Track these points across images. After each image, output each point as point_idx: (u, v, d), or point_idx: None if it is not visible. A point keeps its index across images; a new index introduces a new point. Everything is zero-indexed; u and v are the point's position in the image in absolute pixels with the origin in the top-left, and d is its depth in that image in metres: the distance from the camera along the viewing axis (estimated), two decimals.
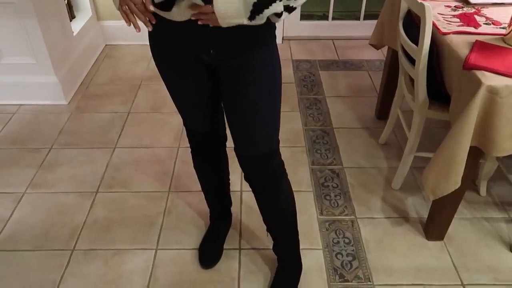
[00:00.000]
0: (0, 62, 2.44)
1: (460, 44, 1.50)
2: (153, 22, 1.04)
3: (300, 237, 1.51)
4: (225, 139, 1.50)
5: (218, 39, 1.07)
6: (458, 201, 1.64)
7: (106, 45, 3.21)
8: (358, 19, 3.26)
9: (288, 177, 1.37)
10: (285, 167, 1.34)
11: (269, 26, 1.10)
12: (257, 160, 1.28)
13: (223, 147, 1.53)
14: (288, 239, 1.53)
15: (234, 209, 1.84)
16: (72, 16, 2.90)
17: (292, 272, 1.59)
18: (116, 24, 3.15)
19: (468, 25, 1.61)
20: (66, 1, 2.71)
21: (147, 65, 2.94)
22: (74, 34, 2.75)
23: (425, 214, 1.84)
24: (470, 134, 1.37)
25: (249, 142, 1.25)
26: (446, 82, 1.59)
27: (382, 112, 2.40)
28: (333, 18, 3.27)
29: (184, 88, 1.25)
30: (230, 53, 1.11)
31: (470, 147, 1.40)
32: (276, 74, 1.18)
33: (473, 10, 1.74)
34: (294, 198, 1.42)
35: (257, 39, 1.10)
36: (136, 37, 3.18)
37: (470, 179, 1.58)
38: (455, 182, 1.44)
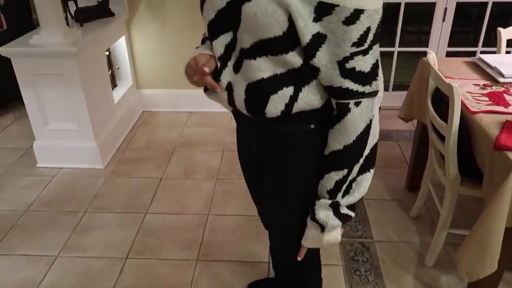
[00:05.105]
0: (46, 127, 2.60)
1: (490, 123, 1.51)
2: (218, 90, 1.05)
3: None
4: None
5: (256, 137, 1.12)
6: (496, 283, 1.57)
7: (143, 111, 3.38)
8: (387, 90, 3.33)
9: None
10: None
11: (305, 134, 1.03)
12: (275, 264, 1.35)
13: None
14: None
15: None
16: (114, 85, 3.10)
17: None
18: (153, 92, 3.33)
19: (497, 104, 1.63)
20: (110, 72, 2.92)
21: (181, 132, 3.06)
22: (115, 101, 2.93)
23: None
24: (505, 215, 1.35)
25: (271, 240, 1.29)
26: (477, 159, 1.58)
27: (413, 183, 2.37)
28: None
29: (250, 173, 1.33)
30: (266, 153, 1.12)
31: (506, 228, 1.37)
32: (297, 187, 1.10)
33: (502, 88, 1.76)
34: None
35: (290, 145, 1.06)
36: (171, 104, 3.37)
37: (508, 260, 1.52)
38: (491, 265, 1.39)
